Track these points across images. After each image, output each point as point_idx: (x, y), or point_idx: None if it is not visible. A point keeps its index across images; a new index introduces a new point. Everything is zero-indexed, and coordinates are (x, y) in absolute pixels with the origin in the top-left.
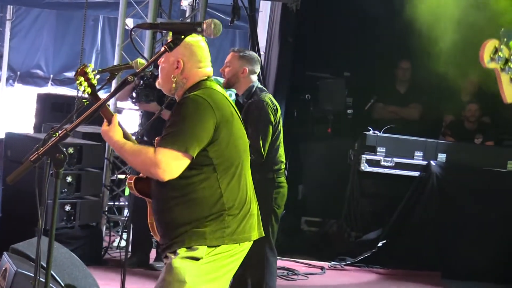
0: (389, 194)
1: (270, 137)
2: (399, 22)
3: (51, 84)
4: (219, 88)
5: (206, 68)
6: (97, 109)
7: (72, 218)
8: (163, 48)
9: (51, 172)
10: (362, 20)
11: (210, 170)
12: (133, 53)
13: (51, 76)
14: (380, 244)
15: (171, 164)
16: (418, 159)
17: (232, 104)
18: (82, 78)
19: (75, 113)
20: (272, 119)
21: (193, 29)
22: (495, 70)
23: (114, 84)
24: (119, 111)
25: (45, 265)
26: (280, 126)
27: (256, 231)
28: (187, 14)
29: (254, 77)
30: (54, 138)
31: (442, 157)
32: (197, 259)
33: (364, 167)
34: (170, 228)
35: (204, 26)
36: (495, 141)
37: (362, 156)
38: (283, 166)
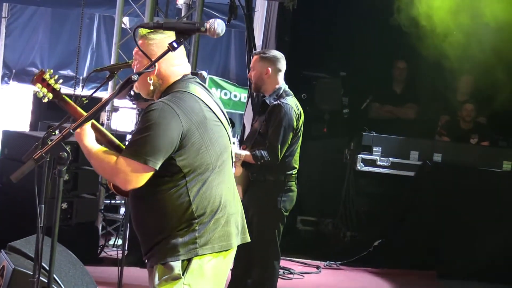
0: (385, 193)
1: (289, 142)
2: (396, 21)
3: None
4: (193, 89)
5: (181, 66)
6: (101, 108)
7: (68, 216)
8: (167, 48)
9: (54, 170)
10: (358, 20)
11: (179, 178)
12: (130, 51)
13: None
14: (375, 243)
15: (130, 175)
16: (414, 159)
17: (209, 106)
18: (39, 85)
19: None
20: (295, 125)
21: (197, 29)
22: None
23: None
24: (115, 109)
25: (45, 265)
26: (301, 132)
27: (238, 237)
28: (183, 13)
29: (281, 77)
30: (57, 136)
31: (438, 157)
32: (176, 278)
33: (360, 166)
34: (144, 238)
35: (208, 25)
36: (490, 141)
37: (358, 155)
38: (295, 171)
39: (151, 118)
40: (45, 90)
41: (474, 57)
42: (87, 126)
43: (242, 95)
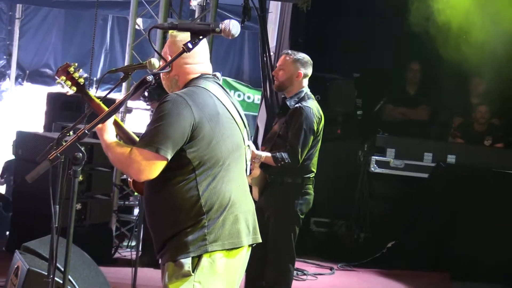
0: (399, 195)
1: (309, 145)
2: (410, 23)
3: None
4: (210, 87)
5: (199, 65)
6: (117, 108)
7: (82, 217)
8: (182, 49)
9: (69, 171)
10: (372, 21)
11: (188, 171)
12: (143, 52)
13: None
14: (389, 245)
15: (143, 164)
16: (428, 160)
17: (224, 104)
18: (63, 77)
19: (89, 112)
20: (315, 128)
21: (212, 29)
22: None
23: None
24: (129, 110)
25: (59, 265)
26: (320, 136)
27: (249, 236)
28: (197, 15)
29: (306, 81)
30: (72, 137)
31: (451, 158)
32: (186, 275)
33: (374, 168)
34: (156, 233)
35: (223, 26)
36: (504, 143)
37: (372, 157)
38: (313, 175)
39: (164, 109)
40: (69, 83)
41: (488, 59)
42: (109, 123)
43: (255, 96)
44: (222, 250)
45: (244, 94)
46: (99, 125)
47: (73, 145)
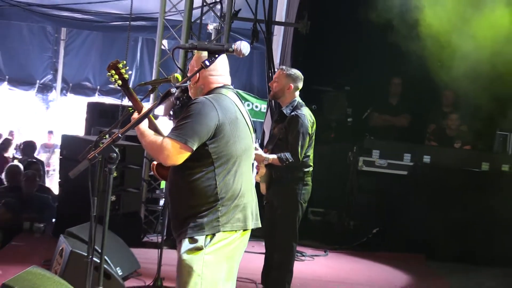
0: (382, 189)
1: (306, 145)
2: (392, 45)
3: (98, 94)
4: (231, 95)
5: (220, 77)
6: (146, 115)
7: (116, 207)
8: (200, 66)
9: (105, 168)
10: (361, 43)
11: (208, 163)
12: (168, 69)
13: (98, 87)
14: (374, 231)
15: (172, 152)
16: (407, 160)
17: (240, 111)
18: (113, 71)
19: (122, 119)
20: (310, 131)
21: (226, 49)
22: None
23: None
24: (155, 117)
25: (97, 247)
26: (314, 137)
27: (253, 221)
28: (213, 37)
29: (297, 93)
30: (107, 139)
31: (427, 158)
32: (199, 248)
33: (361, 166)
34: (176, 212)
35: (235, 47)
36: (471, 146)
37: (360, 157)
38: (311, 169)
39: (194, 109)
40: (116, 76)
41: (458, 76)
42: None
43: (262, 106)
44: (231, 231)
45: (253, 104)
46: (135, 116)
47: (109, 146)
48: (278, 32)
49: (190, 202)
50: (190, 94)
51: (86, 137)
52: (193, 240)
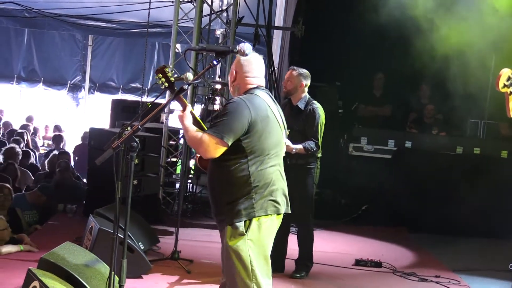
0: (370, 171)
1: (322, 135)
2: (376, 43)
3: (121, 92)
4: (263, 95)
5: (255, 79)
6: (161, 110)
7: (138, 190)
8: (209, 65)
9: (127, 156)
10: (349, 43)
11: (242, 156)
12: (182, 69)
13: (121, 86)
14: (362, 208)
15: (210, 146)
16: (391, 145)
17: (272, 109)
18: (160, 75)
19: (142, 113)
20: (323, 122)
21: (231, 50)
22: (505, 93)
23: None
24: (171, 111)
25: (121, 225)
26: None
27: (284, 206)
28: (220, 40)
29: (306, 89)
30: (129, 131)
31: (408, 144)
32: (242, 234)
33: (351, 152)
34: (215, 200)
35: (239, 48)
36: (446, 132)
37: (350, 144)
38: (320, 155)
39: (230, 107)
40: (163, 79)
41: (433, 71)
42: (187, 112)
43: None
44: (266, 215)
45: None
46: (180, 114)
47: (130, 137)
48: (277, 36)
49: (227, 190)
50: (230, 92)
51: (111, 129)
52: (234, 227)
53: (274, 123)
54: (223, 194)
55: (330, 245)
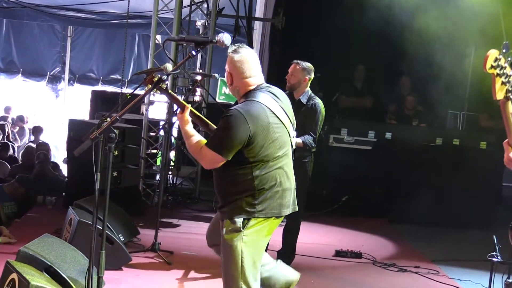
0: (350, 163)
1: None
2: (357, 35)
3: (101, 83)
4: (263, 98)
5: (253, 78)
6: (139, 101)
7: (118, 181)
8: (188, 55)
9: (105, 147)
10: (329, 34)
11: (245, 163)
12: (162, 60)
13: (101, 77)
14: (343, 199)
15: (209, 160)
16: (371, 137)
17: (273, 112)
18: (149, 85)
19: (121, 104)
20: (323, 118)
21: (210, 41)
22: (492, 74)
23: None
24: (151, 102)
25: (100, 217)
26: None
27: (289, 208)
28: (200, 32)
29: (309, 83)
30: (107, 122)
31: (388, 135)
32: (238, 230)
33: (332, 143)
34: (220, 197)
35: (218, 38)
36: (426, 124)
37: (330, 135)
38: (315, 149)
39: (228, 122)
40: (150, 86)
41: (413, 62)
42: (187, 114)
43: None
44: (265, 218)
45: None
46: (179, 115)
47: (108, 128)
48: (258, 27)
49: (231, 189)
50: (230, 92)
51: (90, 120)
52: (232, 222)
53: (277, 126)
54: (228, 190)
55: (310, 236)
